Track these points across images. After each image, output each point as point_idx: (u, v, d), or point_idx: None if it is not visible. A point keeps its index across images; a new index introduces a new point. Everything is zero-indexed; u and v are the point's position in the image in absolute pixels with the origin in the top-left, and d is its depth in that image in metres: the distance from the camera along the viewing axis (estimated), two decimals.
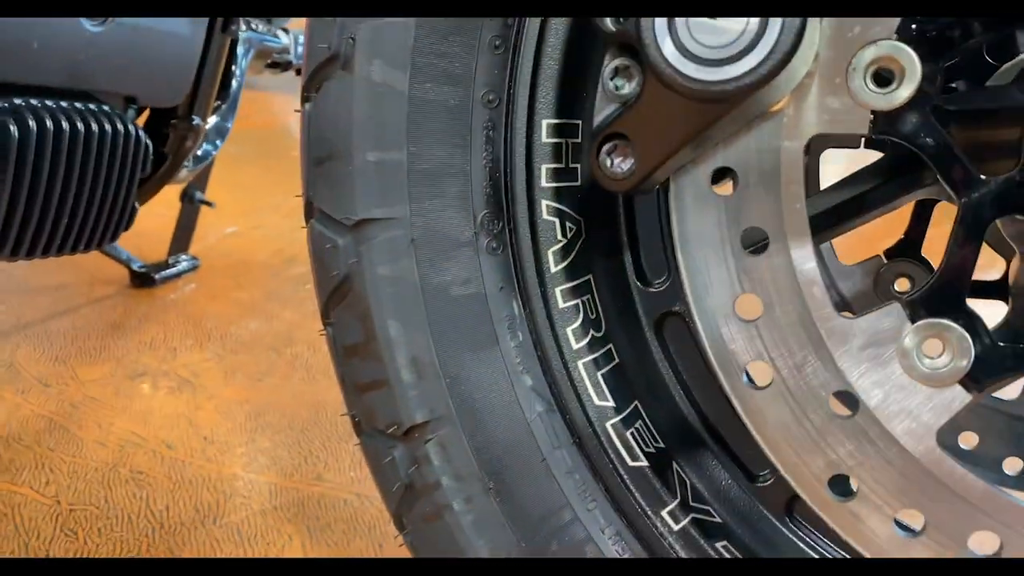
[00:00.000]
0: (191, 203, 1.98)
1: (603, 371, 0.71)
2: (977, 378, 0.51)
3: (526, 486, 0.68)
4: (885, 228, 0.82)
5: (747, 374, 0.57)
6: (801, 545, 0.69)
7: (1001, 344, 0.51)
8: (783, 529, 0.70)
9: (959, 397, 0.52)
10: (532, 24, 0.65)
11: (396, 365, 0.69)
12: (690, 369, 0.73)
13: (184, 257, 2.02)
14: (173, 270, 1.96)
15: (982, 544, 0.53)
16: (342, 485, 1.29)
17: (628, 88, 0.53)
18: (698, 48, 0.47)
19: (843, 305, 0.84)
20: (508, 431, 0.69)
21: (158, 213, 2.02)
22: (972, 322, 0.51)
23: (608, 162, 0.54)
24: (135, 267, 1.91)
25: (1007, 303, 0.78)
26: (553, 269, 0.70)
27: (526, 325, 0.70)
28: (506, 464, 0.69)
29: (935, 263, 0.84)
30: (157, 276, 1.93)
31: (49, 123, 1.09)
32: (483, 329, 0.69)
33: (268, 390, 1.56)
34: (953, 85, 0.66)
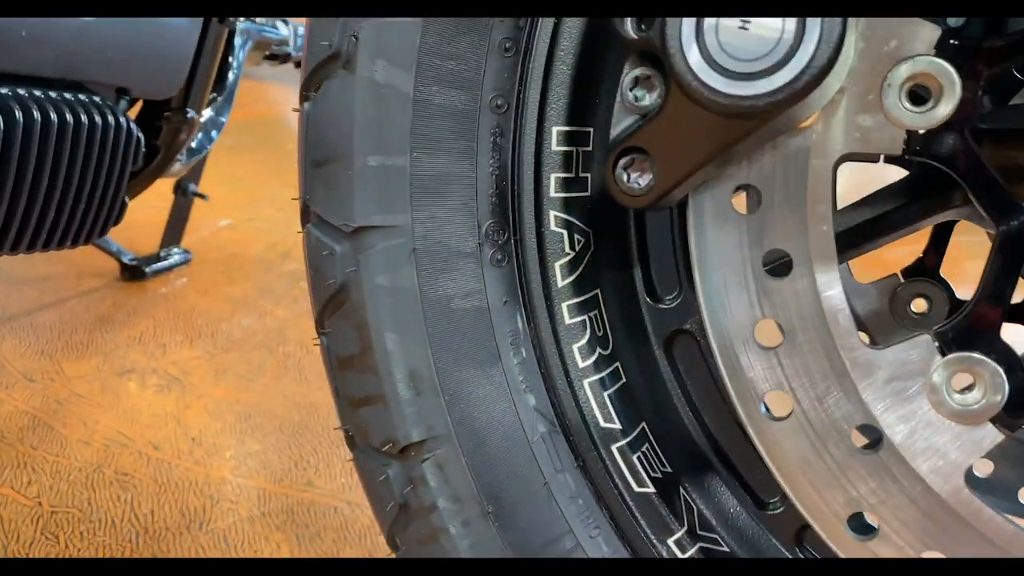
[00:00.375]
0: (184, 195, 1.94)
1: (610, 391, 0.68)
2: (1011, 415, 0.48)
3: (526, 511, 0.65)
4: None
5: (765, 404, 0.54)
6: None
7: None
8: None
9: (990, 435, 0.49)
10: (545, 26, 0.62)
11: (393, 379, 0.66)
12: (700, 390, 0.70)
13: (176, 250, 1.98)
14: (164, 263, 1.92)
15: None
16: (333, 492, 1.26)
17: (649, 100, 0.50)
18: (727, 60, 0.44)
19: (858, 325, 0.81)
20: (509, 452, 0.66)
21: (150, 205, 1.98)
22: (1007, 356, 0.48)
23: (624, 177, 0.51)
24: (125, 260, 1.88)
25: None
26: (560, 283, 0.67)
27: (530, 341, 0.67)
28: (506, 487, 0.66)
29: (952, 282, 0.82)
30: (148, 269, 1.89)
31: (36, 113, 1.05)
32: (485, 345, 0.66)
33: (259, 390, 1.53)
34: None
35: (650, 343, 0.70)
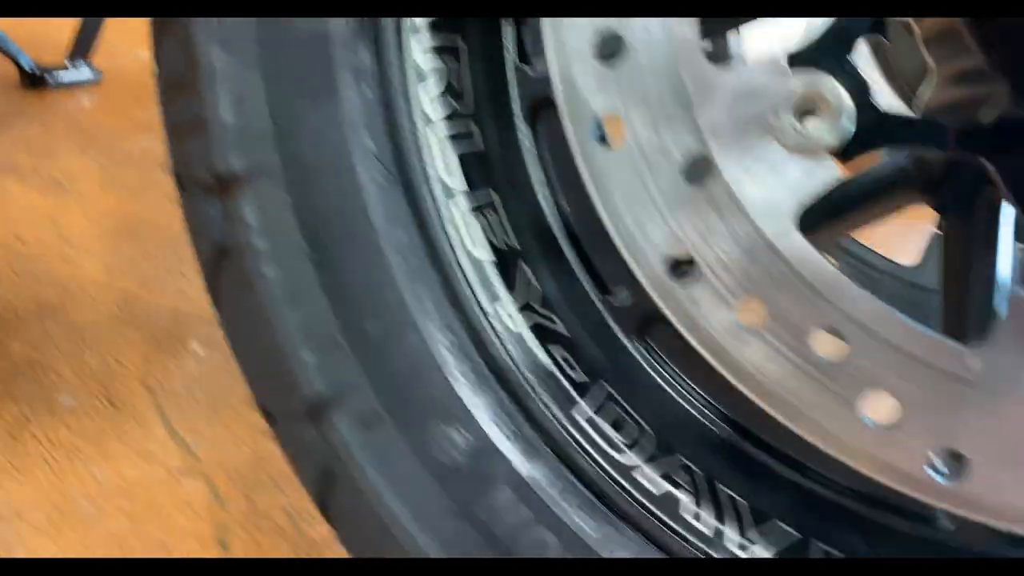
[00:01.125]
0: None
1: (461, 151, 0.62)
2: (850, 150, 0.44)
3: (351, 261, 0.60)
4: None
5: (600, 129, 0.49)
6: (647, 368, 0.63)
7: (882, 111, 0.44)
8: (631, 350, 0.64)
9: (830, 172, 0.45)
10: None
11: (217, 102, 0.59)
12: (559, 168, 0.65)
13: (84, 64, 1.84)
14: (69, 75, 1.79)
15: (824, 344, 0.46)
16: (203, 303, 1.19)
17: None
18: None
19: None
20: (340, 198, 0.60)
21: (61, 22, 1.84)
22: (854, 82, 0.44)
23: None
24: (24, 64, 1.74)
25: None
26: (417, 20, 0.60)
27: (376, 80, 0.60)
28: (333, 233, 0.60)
29: None
30: (50, 79, 1.76)
31: None
32: (324, 75, 0.59)
33: (147, 205, 1.44)
34: None
35: (512, 110, 0.64)
